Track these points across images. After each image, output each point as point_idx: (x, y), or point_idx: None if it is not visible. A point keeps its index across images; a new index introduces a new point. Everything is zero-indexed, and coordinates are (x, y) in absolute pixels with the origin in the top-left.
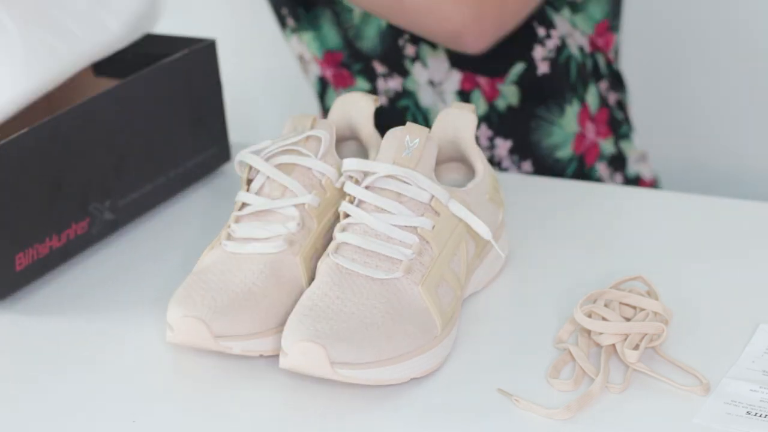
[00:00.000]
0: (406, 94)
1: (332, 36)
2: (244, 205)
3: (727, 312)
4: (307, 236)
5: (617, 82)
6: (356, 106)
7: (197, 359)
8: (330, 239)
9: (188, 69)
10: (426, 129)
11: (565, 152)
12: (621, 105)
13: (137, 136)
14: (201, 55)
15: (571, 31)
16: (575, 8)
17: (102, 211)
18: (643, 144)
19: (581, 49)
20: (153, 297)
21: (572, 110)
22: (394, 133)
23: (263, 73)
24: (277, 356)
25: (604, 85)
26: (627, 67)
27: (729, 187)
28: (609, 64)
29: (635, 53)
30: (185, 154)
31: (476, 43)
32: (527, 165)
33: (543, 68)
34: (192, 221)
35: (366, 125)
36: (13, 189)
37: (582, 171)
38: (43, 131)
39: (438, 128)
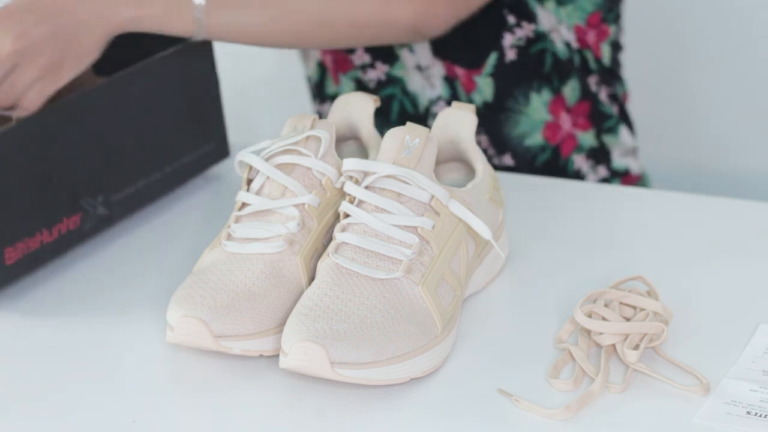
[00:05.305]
0: (391, 81)
1: None
2: (244, 205)
3: (727, 312)
4: (307, 236)
5: (609, 75)
6: (356, 106)
7: (197, 359)
8: (330, 239)
9: (183, 63)
10: (426, 129)
11: (533, 140)
12: (615, 98)
13: (131, 130)
14: (196, 49)
15: (555, 26)
16: (561, 0)
17: (95, 206)
18: (642, 144)
19: (568, 44)
20: (153, 297)
21: (540, 99)
22: (394, 133)
23: (262, 73)
24: (277, 356)
25: (594, 79)
26: (625, 67)
27: (728, 187)
28: (597, 60)
29: (633, 52)
30: (181, 150)
31: (435, 28)
32: (507, 158)
33: (511, 55)
34: (191, 220)
35: (366, 125)
36: (1, 183)
37: (557, 162)
38: (33, 125)
39: (438, 128)
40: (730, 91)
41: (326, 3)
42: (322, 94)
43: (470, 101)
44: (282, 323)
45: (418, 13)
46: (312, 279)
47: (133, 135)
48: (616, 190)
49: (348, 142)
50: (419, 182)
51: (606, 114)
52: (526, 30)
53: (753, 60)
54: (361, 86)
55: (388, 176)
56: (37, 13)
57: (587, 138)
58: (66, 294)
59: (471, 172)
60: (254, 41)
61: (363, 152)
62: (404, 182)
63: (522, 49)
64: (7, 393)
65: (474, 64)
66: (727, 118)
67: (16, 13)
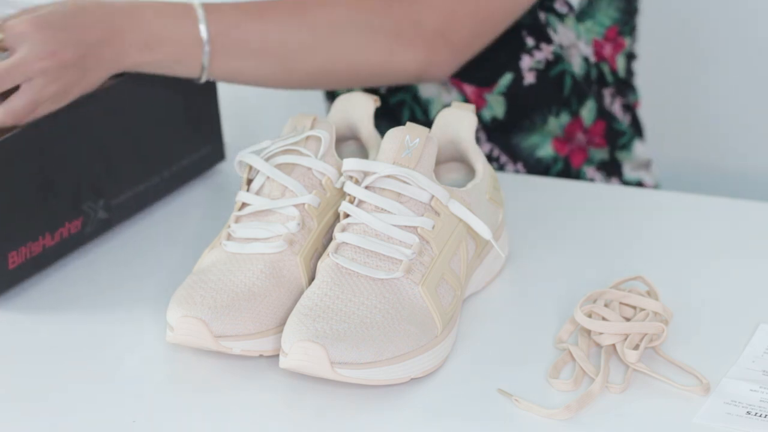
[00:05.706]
0: (402, 87)
1: None
2: (244, 205)
3: (727, 312)
4: (307, 236)
5: (624, 86)
6: (356, 106)
7: (197, 359)
8: (330, 239)
9: None
10: (426, 129)
11: (545, 151)
12: (628, 107)
13: (130, 135)
14: None
15: (574, 42)
16: (581, 17)
17: (96, 210)
18: (646, 144)
19: (586, 59)
20: (153, 297)
21: (557, 121)
22: (394, 133)
23: None
24: (277, 356)
25: (609, 91)
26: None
27: (728, 187)
28: (613, 72)
29: (640, 55)
30: (179, 154)
31: (438, 74)
32: (519, 167)
33: (529, 78)
34: (190, 220)
35: (366, 125)
36: (6, 188)
37: (569, 174)
38: (36, 131)
39: (438, 128)
40: (730, 90)
41: (330, 55)
42: (334, 94)
43: (478, 116)
44: (282, 323)
45: (421, 61)
46: (312, 279)
47: (133, 139)
48: (616, 189)
49: (348, 142)
50: (419, 182)
51: (620, 131)
52: (545, 52)
53: (753, 59)
54: (371, 91)
55: (388, 176)
56: (71, 33)
57: (600, 153)
58: (66, 294)
59: (471, 172)
60: (257, 86)
61: (363, 152)
62: (404, 182)
63: (541, 72)
64: (7, 393)
65: (484, 82)
66: (727, 118)
67: (52, 28)
